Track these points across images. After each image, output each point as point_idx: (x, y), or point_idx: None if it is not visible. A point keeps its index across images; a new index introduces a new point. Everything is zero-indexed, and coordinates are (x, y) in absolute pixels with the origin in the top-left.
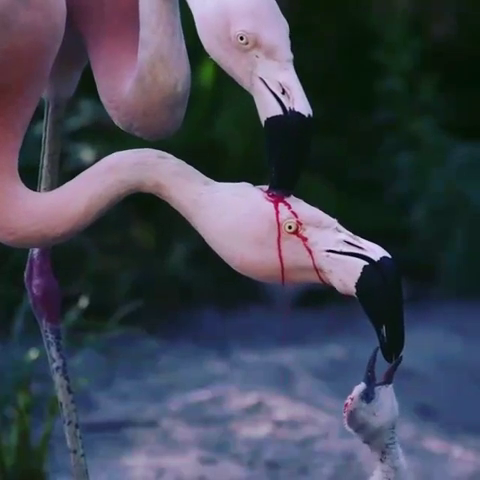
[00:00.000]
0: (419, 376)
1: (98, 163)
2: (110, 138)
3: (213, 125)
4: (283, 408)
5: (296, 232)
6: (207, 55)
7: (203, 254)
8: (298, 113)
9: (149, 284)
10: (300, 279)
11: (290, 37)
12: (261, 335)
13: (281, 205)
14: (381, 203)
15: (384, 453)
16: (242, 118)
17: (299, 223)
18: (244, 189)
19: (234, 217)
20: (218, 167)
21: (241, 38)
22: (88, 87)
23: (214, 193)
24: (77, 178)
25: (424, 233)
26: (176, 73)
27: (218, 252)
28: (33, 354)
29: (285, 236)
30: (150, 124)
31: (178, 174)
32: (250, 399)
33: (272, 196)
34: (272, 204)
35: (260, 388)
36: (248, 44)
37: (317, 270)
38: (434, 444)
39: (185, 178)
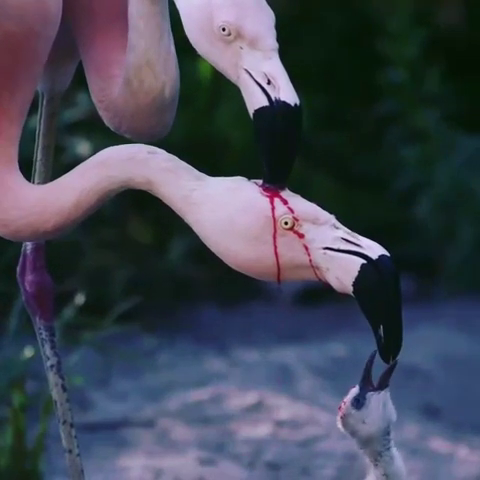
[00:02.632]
0: (423, 375)
1: (90, 158)
2: (107, 131)
3: (212, 119)
4: (284, 407)
5: (292, 228)
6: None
7: (202, 250)
8: (284, 102)
9: (147, 281)
10: (296, 277)
11: (291, 28)
12: (261, 333)
13: (277, 200)
14: (385, 198)
15: (376, 460)
16: (241, 112)
17: (295, 219)
18: (238, 183)
19: (228, 213)
20: (217, 162)
21: (223, 29)
22: (84, 80)
23: (206, 188)
24: (69, 173)
25: (429, 228)
26: (164, 77)
27: (212, 249)
28: (28, 352)
29: (281, 232)
30: (138, 127)
31: (168, 170)
32: (250, 398)
33: (267, 190)
34: (268, 199)
35: (260, 387)
36: (231, 35)
37: (314, 268)
38: (439, 444)
39: (176, 174)
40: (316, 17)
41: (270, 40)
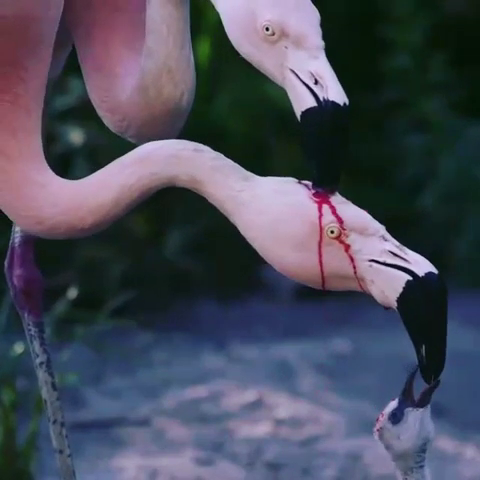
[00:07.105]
0: None
1: (128, 153)
2: (100, 119)
3: (211, 107)
4: (284, 405)
5: (339, 237)
6: (203, 31)
7: (200, 243)
8: (333, 102)
9: (142, 274)
10: (340, 286)
11: None
12: (261, 328)
13: (325, 207)
14: (389, 188)
15: (406, 474)
16: (240, 100)
17: (342, 228)
18: (287, 186)
19: (274, 216)
20: (217, 149)
21: (267, 29)
22: (77, 65)
23: (255, 189)
24: (106, 168)
25: (434, 219)
26: (182, 86)
27: (259, 252)
28: (18, 348)
29: (327, 241)
30: (148, 133)
31: (216, 169)
32: (249, 396)
33: (317, 195)
34: (316, 205)
35: (260, 384)
36: (275, 35)
37: (358, 279)
38: (446, 444)
39: (224, 173)
40: (319, 1)
41: (316, 38)
